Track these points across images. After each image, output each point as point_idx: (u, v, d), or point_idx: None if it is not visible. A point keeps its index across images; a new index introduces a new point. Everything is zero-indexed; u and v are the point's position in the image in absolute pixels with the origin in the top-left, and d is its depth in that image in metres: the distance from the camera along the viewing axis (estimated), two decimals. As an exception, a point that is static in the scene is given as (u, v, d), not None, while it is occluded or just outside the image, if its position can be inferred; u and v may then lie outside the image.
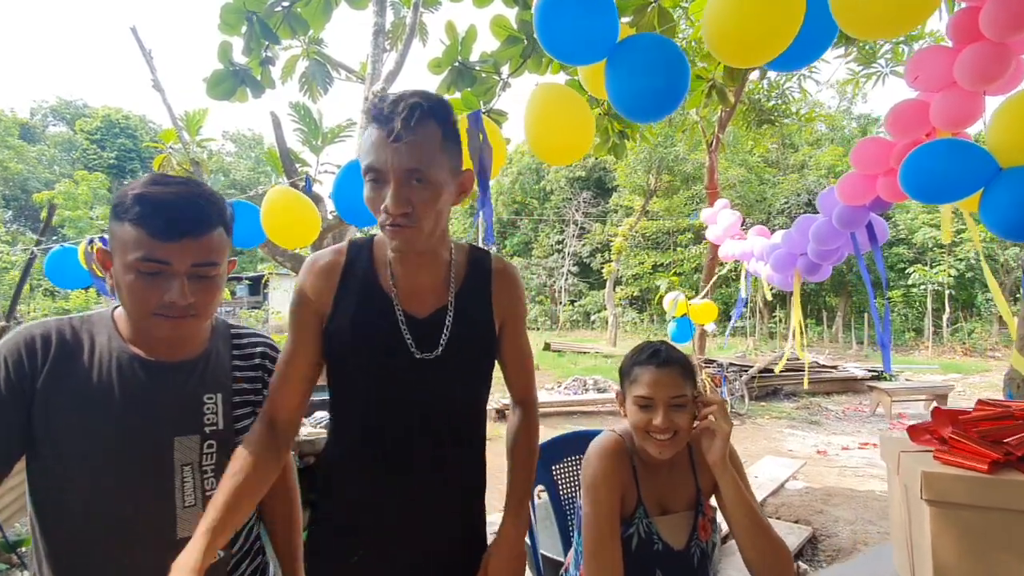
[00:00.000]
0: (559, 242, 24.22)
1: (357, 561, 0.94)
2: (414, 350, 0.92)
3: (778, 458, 4.98)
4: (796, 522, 3.26)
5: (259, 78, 2.80)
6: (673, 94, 1.16)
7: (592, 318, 23.01)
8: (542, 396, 8.14)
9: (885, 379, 8.85)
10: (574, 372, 10.29)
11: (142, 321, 0.86)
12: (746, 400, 7.47)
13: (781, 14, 0.85)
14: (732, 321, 5.16)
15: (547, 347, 14.66)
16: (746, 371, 8.06)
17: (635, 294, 21.81)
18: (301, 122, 6.50)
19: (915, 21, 0.83)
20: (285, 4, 2.63)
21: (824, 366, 9.41)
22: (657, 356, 1.08)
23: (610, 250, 17.90)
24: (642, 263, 21.06)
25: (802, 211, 17.30)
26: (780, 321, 18.09)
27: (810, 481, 4.35)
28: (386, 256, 0.96)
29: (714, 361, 8.32)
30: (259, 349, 1.01)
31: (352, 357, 0.93)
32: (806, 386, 5.46)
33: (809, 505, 3.48)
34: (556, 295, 23.83)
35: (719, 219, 5.05)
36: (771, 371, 8.42)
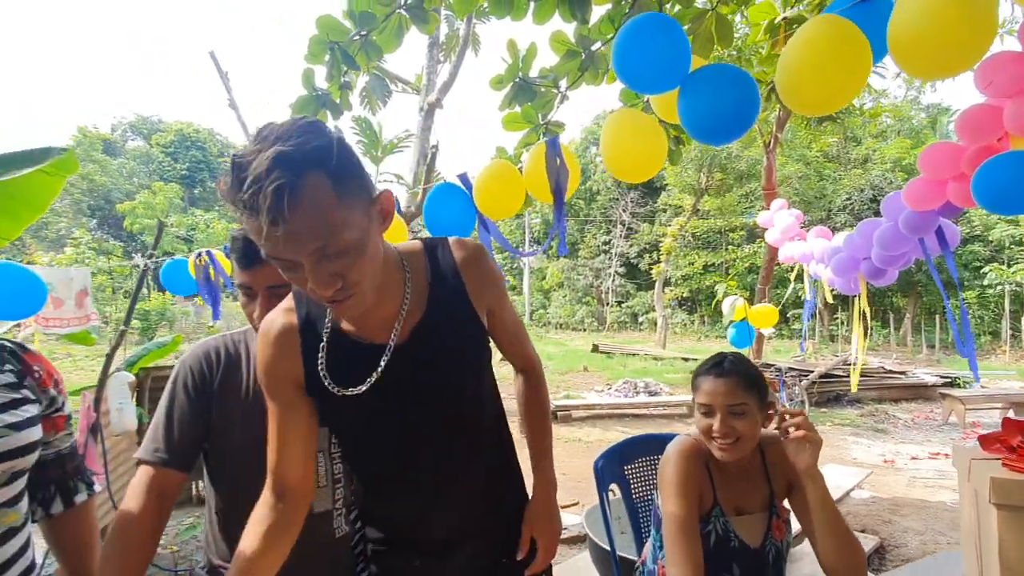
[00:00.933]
0: (606, 243, 24.03)
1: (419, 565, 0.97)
2: (379, 380, 0.85)
3: (842, 466, 4.83)
4: (862, 531, 3.19)
5: (338, 101, 3.06)
6: (744, 120, 1.25)
7: (640, 319, 22.69)
8: (591, 398, 8.17)
9: (959, 385, 8.34)
10: (624, 374, 10.25)
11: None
12: (806, 405, 7.24)
13: (853, 68, 0.92)
14: (804, 327, 5.01)
15: (595, 348, 14.60)
16: (806, 376, 7.81)
17: (685, 295, 21.35)
18: (362, 134, 6.84)
19: (971, 62, 0.88)
20: (363, 33, 2.86)
21: (891, 371, 8.95)
22: (718, 367, 1.18)
23: (659, 250, 17.61)
24: (692, 263, 20.58)
25: (865, 207, 16.38)
26: (842, 324, 17.24)
27: (877, 491, 4.21)
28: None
29: (772, 365, 8.10)
30: None
31: (328, 415, 0.91)
32: (854, 390, 5.17)
33: (876, 515, 3.40)
34: (603, 296, 23.65)
35: (776, 221, 4.96)
36: (834, 376, 8.11)
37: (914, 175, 3.10)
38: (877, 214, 3.47)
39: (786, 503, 1.23)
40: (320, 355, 0.86)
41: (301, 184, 0.65)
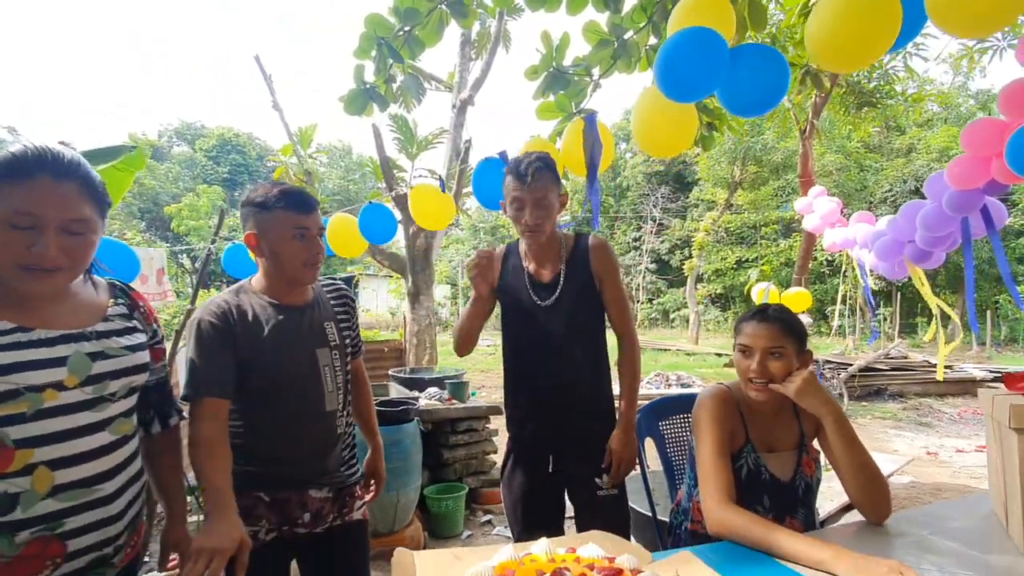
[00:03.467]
0: (636, 239, 23.81)
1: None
2: (537, 301, 1.53)
3: (883, 454, 4.75)
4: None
5: (384, 94, 3.22)
6: (776, 92, 1.32)
7: (671, 316, 22.39)
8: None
9: (1010, 381, 7.98)
10: (655, 368, 10.20)
11: (297, 273, 1.27)
12: (845, 399, 7.08)
13: (881, 22, 0.98)
14: (872, 314, 4.81)
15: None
16: (844, 368, 7.63)
17: (718, 291, 20.96)
18: (399, 131, 7.04)
19: (1009, 19, 0.92)
20: (407, 28, 3.01)
21: (935, 366, 8.63)
22: (762, 313, 1.26)
23: (690, 246, 17.37)
24: (725, 259, 20.18)
25: (908, 200, 15.70)
26: (884, 319, 16.63)
27: (918, 478, 4.13)
28: (524, 249, 1.61)
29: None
30: (340, 288, 1.46)
31: (506, 305, 1.61)
32: (940, 377, 4.79)
33: (917, 498, 3.35)
34: (633, 293, 23.46)
35: (816, 207, 4.90)
36: (875, 369, 7.89)
37: (961, 164, 3.03)
38: (920, 201, 3.41)
39: (816, 444, 1.30)
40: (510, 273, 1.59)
41: (545, 171, 1.48)
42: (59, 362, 0.88)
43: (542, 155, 1.48)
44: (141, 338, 1.04)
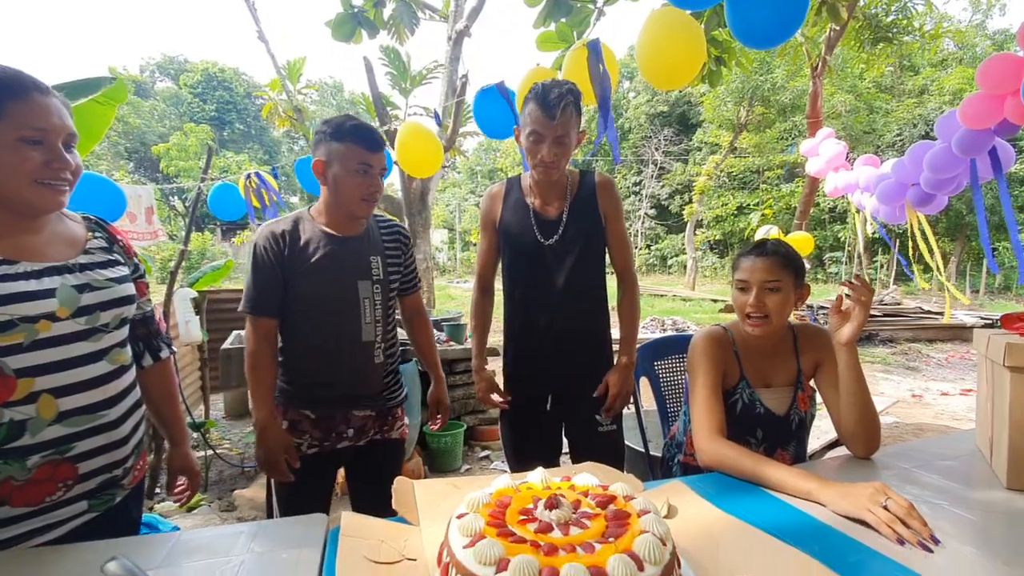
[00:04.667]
0: (636, 183, 23.43)
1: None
2: (540, 239, 1.49)
3: (868, 397, 4.88)
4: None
5: (373, 19, 3.04)
6: (792, 20, 1.23)
7: (669, 263, 22.42)
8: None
9: (996, 327, 8.13)
10: (651, 313, 10.31)
11: (354, 206, 1.33)
12: (835, 343, 7.22)
13: None
14: (902, 261, 4.68)
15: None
16: (837, 314, 7.72)
17: (717, 237, 20.88)
18: (391, 65, 6.70)
19: None
20: (397, -51, 2.80)
21: (929, 312, 8.76)
22: (760, 247, 1.24)
23: (691, 191, 17.11)
24: (726, 204, 19.96)
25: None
26: (880, 267, 16.69)
27: (901, 419, 4.27)
28: (529, 183, 1.55)
29: (808, 305, 8.02)
30: (395, 228, 1.49)
31: (507, 243, 1.55)
32: (947, 319, 4.62)
33: (899, 437, 3.48)
34: (632, 239, 23.35)
35: (821, 150, 4.77)
36: (869, 316, 7.98)
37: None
38: (929, 142, 3.31)
39: (812, 383, 1.32)
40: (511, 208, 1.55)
41: (571, 105, 1.39)
42: (48, 294, 0.89)
43: (572, 88, 1.40)
44: (124, 271, 1.04)
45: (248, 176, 2.55)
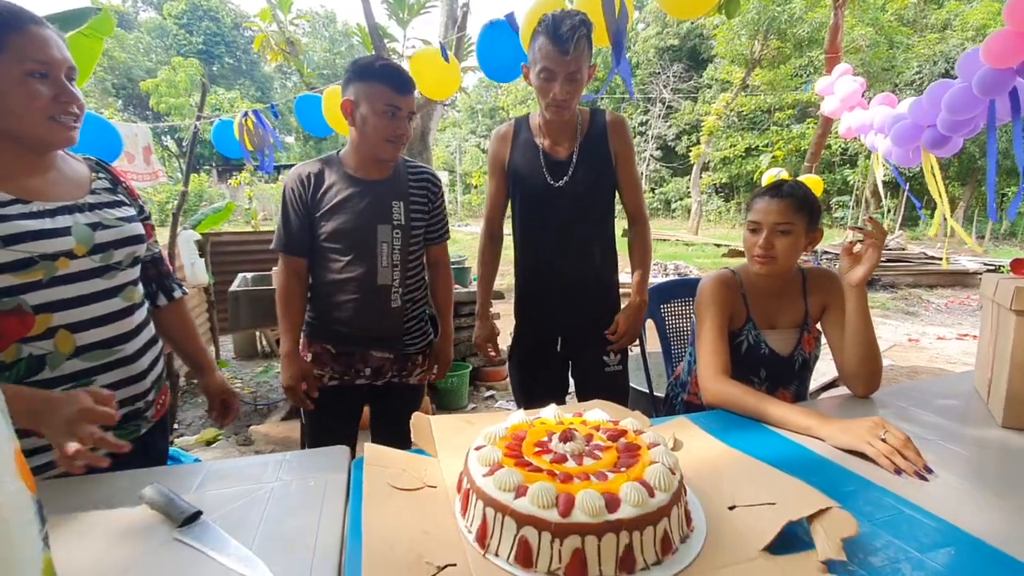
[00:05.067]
0: (642, 123, 22.69)
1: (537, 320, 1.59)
2: (550, 180, 1.46)
3: (865, 341, 4.96)
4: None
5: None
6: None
7: (673, 207, 22.12)
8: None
9: (1003, 272, 8.14)
10: (653, 258, 10.28)
11: (380, 148, 1.32)
12: (836, 288, 7.25)
13: None
14: (917, 203, 4.57)
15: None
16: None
17: (723, 180, 20.47)
18: (388, -6, 6.29)
19: None
20: None
21: (932, 258, 8.74)
22: (776, 188, 1.22)
23: (699, 131, 16.60)
24: (734, 146, 19.41)
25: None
26: (888, 211, 16.47)
27: (896, 362, 4.36)
28: (539, 123, 1.50)
29: (815, 250, 7.97)
30: (425, 175, 1.47)
31: (516, 186, 1.52)
32: (945, 266, 4.64)
33: (893, 379, 3.56)
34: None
35: (837, 88, 4.58)
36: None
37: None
38: (951, 81, 3.17)
39: (818, 325, 1.34)
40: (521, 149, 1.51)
41: (584, 38, 1.32)
42: (64, 232, 0.90)
43: (584, 19, 1.33)
44: (131, 211, 1.05)
45: (245, 115, 2.47)
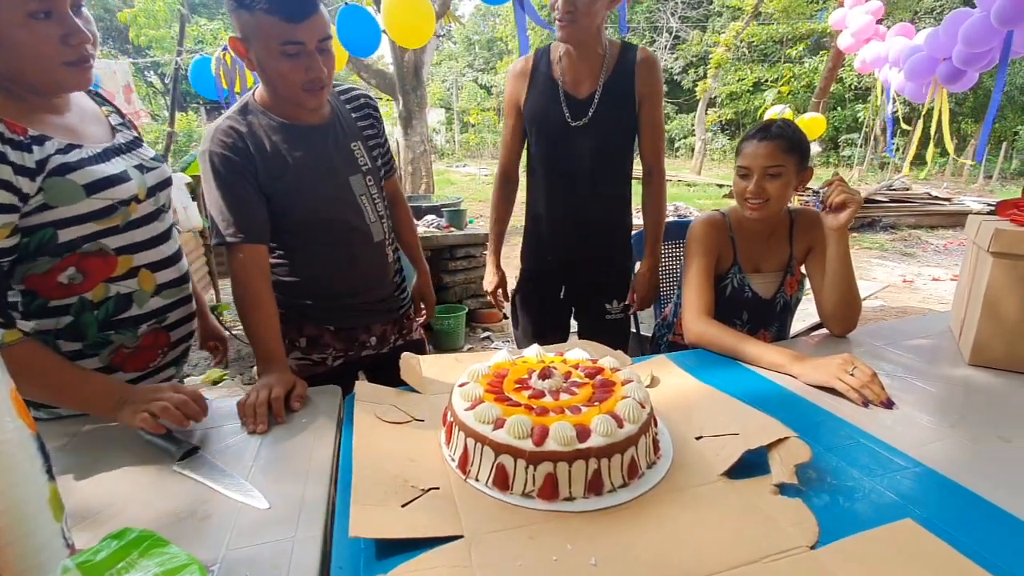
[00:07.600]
0: (648, 57, 21.62)
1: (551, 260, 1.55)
2: (569, 119, 1.38)
3: (860, 281, 5.00)
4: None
5: None
6: None
7: (676, 145, 21.53)
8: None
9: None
10: (654, 199, 10.15)
11: (295, 97, 1.02)
12: (836, 230, 7.21)
13: None
14: (890, 141, 4.54)
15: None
16: (843, 200, 7.60)
17: (728, 117, 19.80)
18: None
19: None
20: None
21: (937, 198, 8.62)
22: (764, 130, 1.20)
23: (706, 64, 15.87)
24: (743, 79, 18.61)
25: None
26: (897, 149, 16.04)
27: (888, 303, 4.41)
28: (560, 55, 1.39)
29: (809, 188, 7.87)
30: (360, 98, 1.23)
31: (532, 125, 1.44)
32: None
33: (881, 319, 3.63)
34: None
35: (850, 21, 4.37)
36: (873, 201, 7.88)
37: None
38: (971, 4, 3.01)
39: (802, 268, 1.36)
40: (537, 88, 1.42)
41: None
42: (124, 176, 0.91)
43: None
44: (152, 151, 1.05)
45: (224, 48, 2.36)
